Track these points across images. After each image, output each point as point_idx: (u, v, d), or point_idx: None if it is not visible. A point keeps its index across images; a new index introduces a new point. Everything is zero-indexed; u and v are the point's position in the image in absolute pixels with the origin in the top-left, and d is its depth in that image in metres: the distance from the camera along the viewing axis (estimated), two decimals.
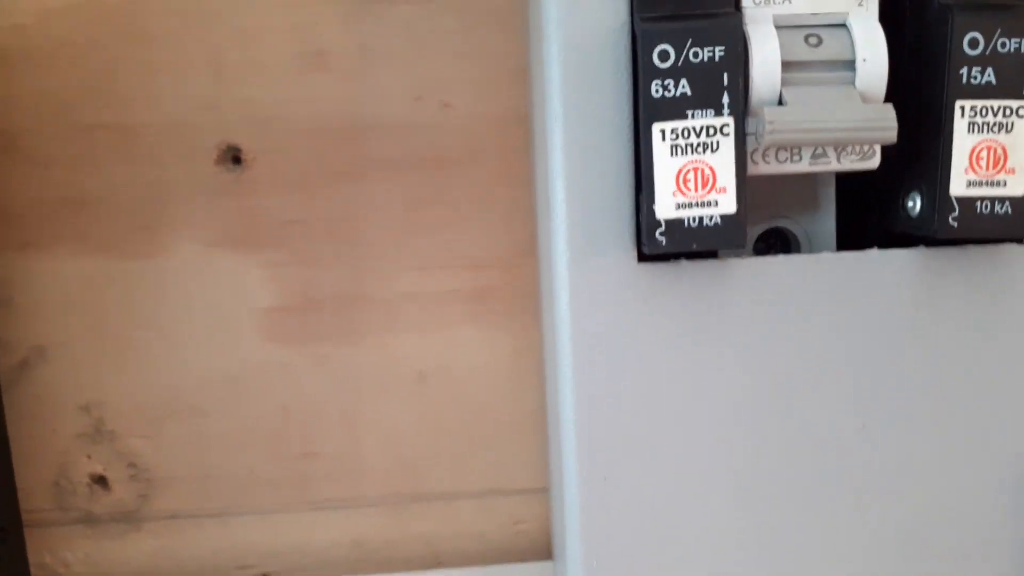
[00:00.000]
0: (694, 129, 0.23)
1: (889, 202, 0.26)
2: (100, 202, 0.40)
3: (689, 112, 0.23)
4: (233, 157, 0.40)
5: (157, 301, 0.41)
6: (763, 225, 0.28)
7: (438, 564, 0.44)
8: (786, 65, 0.23)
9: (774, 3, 0.24)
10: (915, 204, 0.25)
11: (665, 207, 0.23)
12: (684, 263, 0.25)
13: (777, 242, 0.29)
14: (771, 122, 0.22)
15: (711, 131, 0.23)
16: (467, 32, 0.40)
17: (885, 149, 0.24)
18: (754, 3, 0.24)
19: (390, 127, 0.40)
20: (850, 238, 0.28)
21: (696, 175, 0.23)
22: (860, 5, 0.24)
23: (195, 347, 0.41)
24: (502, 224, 0.41)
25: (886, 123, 0.23)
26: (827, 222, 0.28)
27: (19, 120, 0.40)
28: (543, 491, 0.44)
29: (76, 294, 0.41)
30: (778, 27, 0.23)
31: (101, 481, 0.43)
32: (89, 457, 0.43)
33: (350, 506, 0.43)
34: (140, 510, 0.43)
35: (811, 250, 0.28)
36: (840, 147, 0.24)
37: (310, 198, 0.41)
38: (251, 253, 0.41)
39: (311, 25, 0.40)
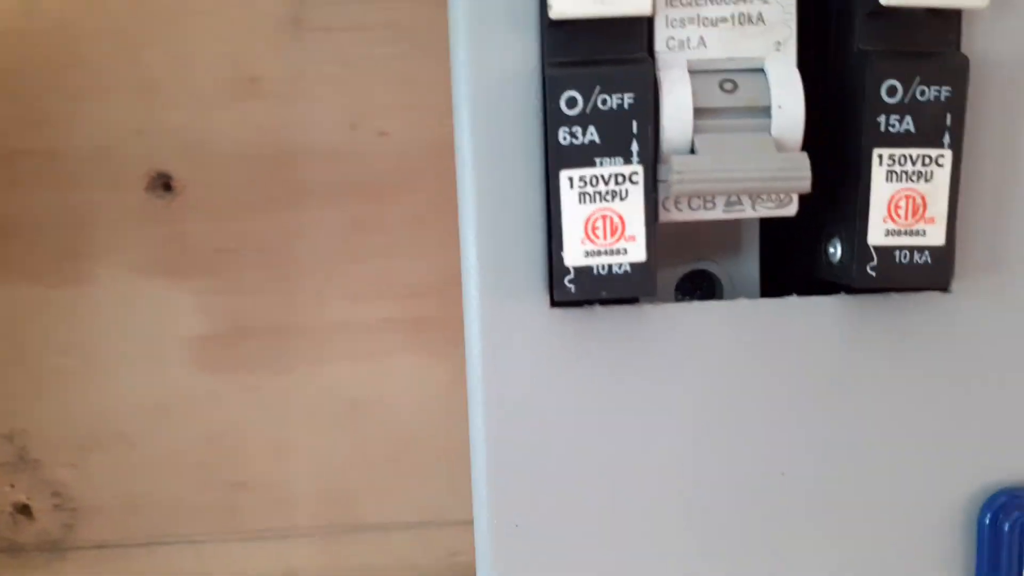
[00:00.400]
0: (603, 177, 0.22)
1: (811, 248, 0.26)
2: (24, 228, 0.39)
3: (597, 159, 0.22)
4: (164, 184, 0.39)
5: (83, 329, 0.40)
6: (686, 267, 0.27)
7: None
8: (699, 112, 0.23)
9: (688, 48, 0.23)
10: (836, 251, 0.24)
11: (574, 254, 0.23)
12: (599, 308, 0.24)
13: (701, 284, 0.28)
14: (679, 172, 0.22)
15: (620, 179, 0.22)
16: (403, 59, 0.39)
17: (805, 195, 0.24)
18: (667, 48, 0.23)
19: (324, 154, 0.40)
20: (774, 281, 0.27)
21: (605, 223, 0.23)
22: (778, 50, 0.23)
23: (122, 375, 0.40)
24: (437, 252, 0.40)
25: (800, 172, 0.22)
26: (751, 265, 0.27)
27: None
28: None
29: None
30: (692, 72, 0.23)
31: (25, 510, 0.42)
32: (12, 486, 0.42)
33: (282, 536, 0.42)
34: (65, 539, 0.42)
35: (734, 293, 0.27)
36: (754, 195, 0.23)
37: (242, 225, 0.40)
38: (181, 281, 0.40)
39: (244, 51, 0.39)
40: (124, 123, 0.39)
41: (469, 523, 0.44)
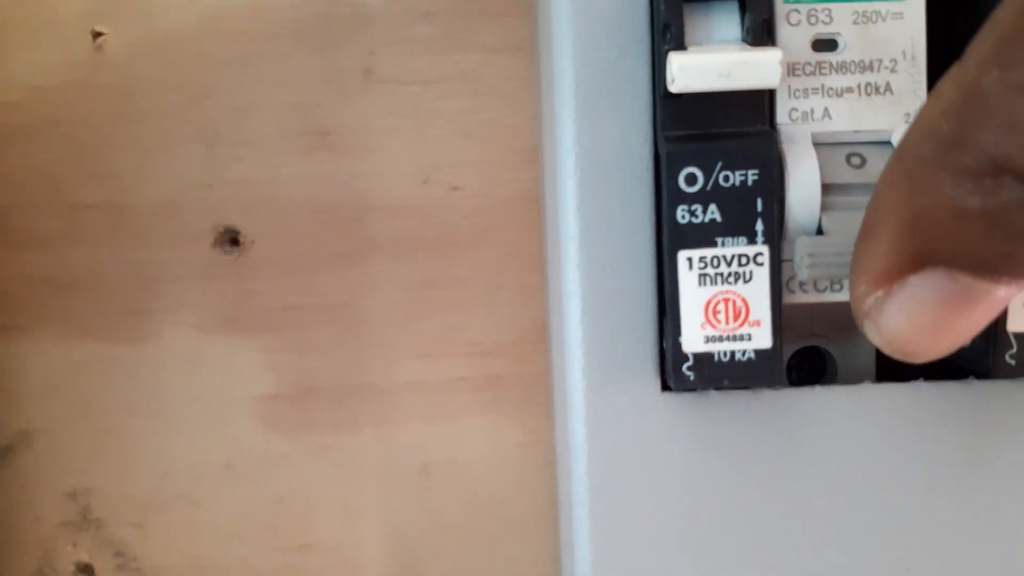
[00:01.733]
0: (725, 258, 0.21)
1: None
2: (88, 284, 0.38)
3: (719, 239, 0.21)
4: (230, 239, 0.38)
5: (148, 387, 0.39)
6: (798, 344, 0.26)
7: None
8: (826, 188, 0.21)
9: (813, 120, 0.22)
10: None
11: (693, 340, 0.21)
12: (713, 393, 0.23)
13: (811, 359, 0.26)
14: (811, 254, 0.20)
15: (743, 260, 0.21)
16: (475, 112, 0.38)
17: None
18: (791, 120, 0.22)
19: (395, 208, 0.39)
20: (891, 364, 0.26)
21: (727, 307, 0.21)
22: (907, 122, 0.22)
23: (187, 434, 0.39)
24: (511, 309, 0.39)
25: None
26: (866, 345, 0.26)
27: (6, 198, 0.38)
28: None
29: (62, 378, 0.39)
30: (817, 145, 0.21)
31: (87, 570, 0.41)
32: (74, 545, 0.41)
33: None
34: None
35: (848, 372, 0.26)
36: None
37: (310, 282, 0.39)
38: (247, 338, 0.39)
39: (314, 104, 0.38)
40: (190, 177, 0.38)
41: None
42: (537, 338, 0.40)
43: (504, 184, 0.38)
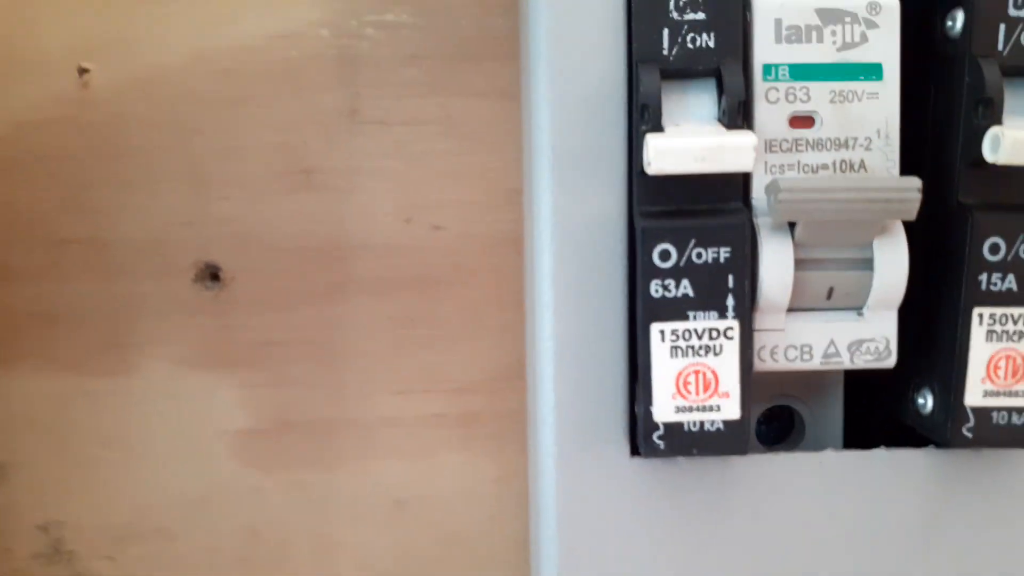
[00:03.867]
0: (696, 331, 0.22)
1: (900, 394, 0.25)
2: (69, 318, 0.39)
3: (691, 313, 0.22)
4: (211, 275, 0.39)
5: (125, 420, 0.39)
6: (768, 403, 0.27)
7: None
8: (799, 263, 0.22)
9: None
10: (926, 403, 0.24)
11: (664, 410, 0.22)
12: (684, 460, 0.24)
13: (781, 416, 0.27)
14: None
15: (714, 334, 0.22)
16: (458, 154, 0.38)
17: (900, 342, 0.23)
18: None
19: (377, 247, 0.39)
20: (858, 422, 0.26)
21: (697, 378, 0.22)
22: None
23: (163, 467, 0.40)
24: (490, 347, 0.40)
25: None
26: (834, 405, 0.26)
27: None
28: None
29: (41, 411, 0.39)
30: (791, 222, 0.22)
31: None
32: None
33: None
34: None
35: (816, 432, 0.27)
36: (853, 347, 0.23)
37: (290, 318, 0.39)
38: (226, 373, 0.39)
39: (298, 142, 0.38)
40: (173, 213, 0.39)
41: None
42: (515, 376, 0.40)
43: (485, 225, 0.39)
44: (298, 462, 0.40)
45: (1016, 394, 0.22)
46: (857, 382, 0.27)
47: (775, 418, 0.27)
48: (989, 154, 0.21)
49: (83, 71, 0.38)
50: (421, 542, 0.41)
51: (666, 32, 0.22)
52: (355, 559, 0.41)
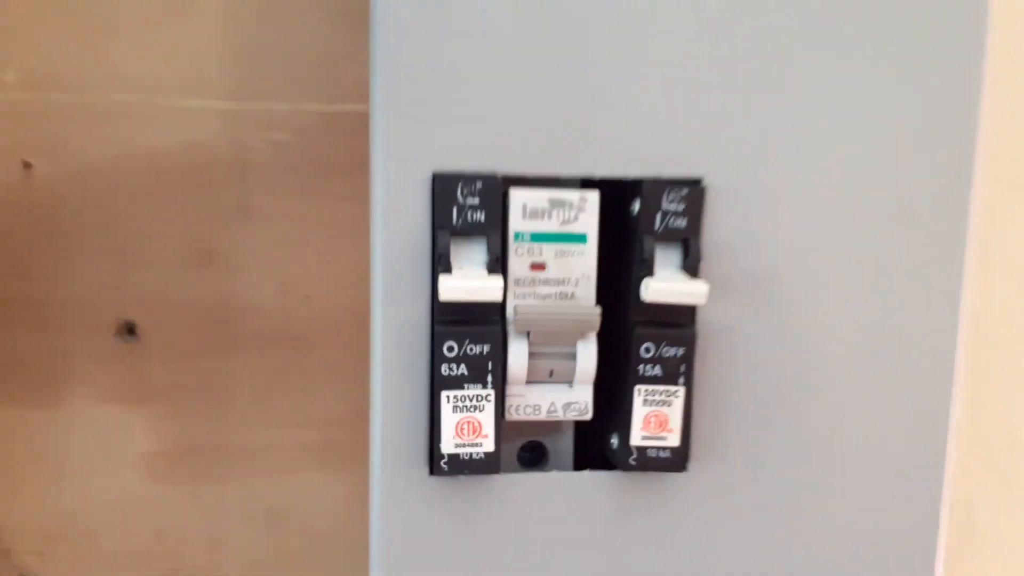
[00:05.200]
0: (468, 396, 0.35)
1: (602, 437, 0.39)
2: (11, 363, 0.49)
3: (466, 385, 0.35)
4: (128, 329, 0.50)
5: (56, 444, 0.50)
6: (524, 439, 0.40)
7: None
8: (532, 355, 0.36)
9: (528, 313, 0.36)
10: (615, 443, 0.38)
11: (448, 445, 0.35)
12: (463, 477, 0.37)
13: (536, 448, 0.41)
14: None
15: (479, 398, 0.35)
16: (328, 242, 0.51)
17: (597, 403, 0.37)
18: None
19: (261, 311, 0.51)
20: (585, 453, 0.41)
21: (468, 426, 0.35)
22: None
23: (86, 482, 0.50)
24: (347, 391, 0.52)
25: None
26: (567, 441, 0.41)
27: None
28: None
29: None
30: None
31: None
32: None
33: None
34: None
35: (557, 460, 0.41)
36: (566, 407, 0.37)
37: (192, 365, 0.50)
38: (139, 408, 0.50)
39: (201, 229, 0.50)
40: (99, 280, 0.49)
41: None
42: (366, 414, 0.53)
43: (347, 296, 0.51)
44: (195, 478, 0.52)
45: (662, 439, 0.37)
46: (584, 428, 0.41)
47: (533, 450, 0.41)
48: (644, 294, 0.35)
49: (27, 165, 0.48)
50: (290, 542, 0.53)
51: (455, 209, 0.35)
52: (239, 555, 0.52)
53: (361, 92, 0.50)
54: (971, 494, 0.54)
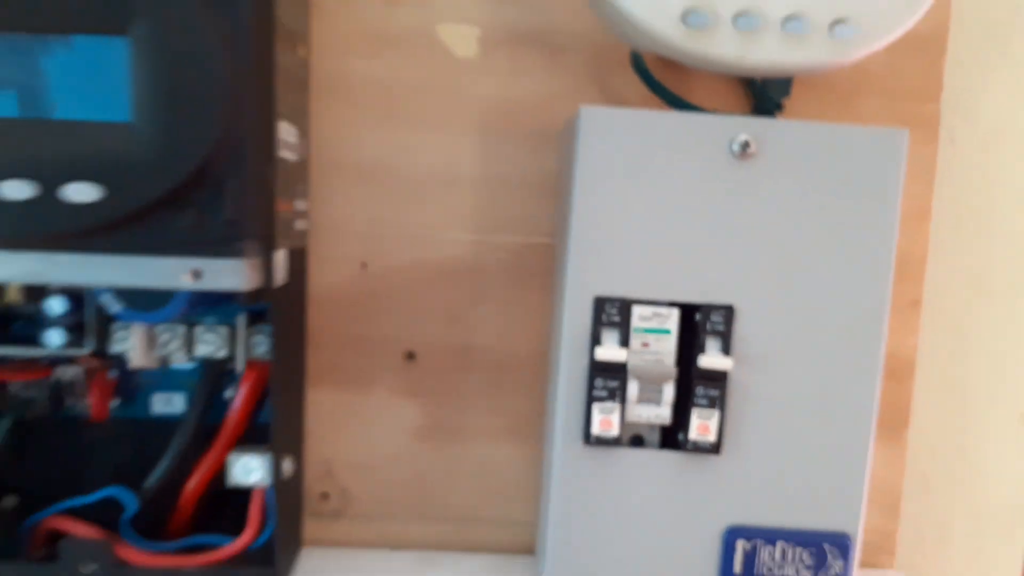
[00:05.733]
0: (607, 407, 0.71)
1: (675, 433, 0.74)
2: (347, 369, 0.87)
3: (606, 401, 0.71)
4: (410, 355, 0.87)
5: (366, 418, 0.87)
6: (633, 432, 0.76)
7: None
8: (639, 389, 0.71)
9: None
10: (682, 437, 0.73)
11: (595, 430, 0.71)
12: (601, 448, 0.72)
13: (638, 439, 0.76)
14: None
15: (612, 409, 0.71)
16: (527, 315, 0.87)
17: (673, 416, 0.72)
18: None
19: (486, 349, 0.88)
20: (665, 441, 0.75)
21: (605, 421, 0.71)
22: None
23: (382, 440, 0.88)
24: (530, 397, 0.89)
25: None
26: (656, 435, 0.76)
27: None
28: None
29: None
30: None
31: None
32: None
33: None
34: None
35: (650, 443, 0.76)
36: (656, 417, 0.72)
37: (444, 376, 0.86)
38: (413, 400, 0.87)
39: (455, 305, 0.87)
40: (397, 328, 0.85)
41: None
42: (539, 411, 0.89)
43: (533, 345, 0.87)
44: (441, 443, 0.88)
45: (707, 437, 0.71)
46: (665, 429, 0.76)
47: (638, 438, 0.76)
48: (700, 362, 0.70)
49: (364, 264, 0.86)
50: (490, 484, 0.89)
51: (604, 314, 0.71)
52: (461, 492, 0.89)
53: (547, 231, 0.85)
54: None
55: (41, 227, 0.49)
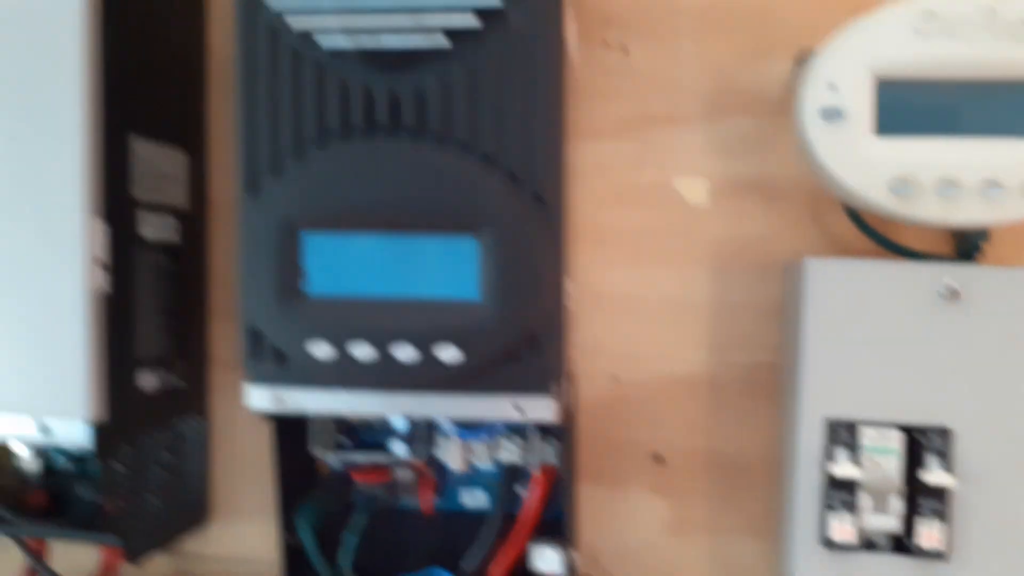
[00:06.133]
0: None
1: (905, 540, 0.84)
2: (608, 471, 1.03)
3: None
4: (658, 459, 1.02)
5: (617, 509, 1.02)
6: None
7: None
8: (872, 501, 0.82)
9: None
10: (909, 543, 0.82)
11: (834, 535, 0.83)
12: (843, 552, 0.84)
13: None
14: None
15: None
16: (765, 409, 1.00)
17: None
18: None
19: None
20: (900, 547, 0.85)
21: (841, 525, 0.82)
22: None
23: (638, 527, 1.02)
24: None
25: None
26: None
27: None
28: None
29: None
30: None
31: None
32: None
33: None
34: None
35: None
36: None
37: (691, 476, 1.01)
38: (660, 494, 1.02)
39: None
40: (644, 433, 1.01)
41: None
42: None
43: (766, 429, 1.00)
44: (698, 530, 1.02)
45: (939, 545, 0.81)
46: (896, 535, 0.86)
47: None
48: (926, 478, 0.81)
49: (615, 378, 1.03)
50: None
51: (834, 435, 0.83)
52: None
53: (772, 349, 0.97)
54: None
55: (423, 382, 0.69)
